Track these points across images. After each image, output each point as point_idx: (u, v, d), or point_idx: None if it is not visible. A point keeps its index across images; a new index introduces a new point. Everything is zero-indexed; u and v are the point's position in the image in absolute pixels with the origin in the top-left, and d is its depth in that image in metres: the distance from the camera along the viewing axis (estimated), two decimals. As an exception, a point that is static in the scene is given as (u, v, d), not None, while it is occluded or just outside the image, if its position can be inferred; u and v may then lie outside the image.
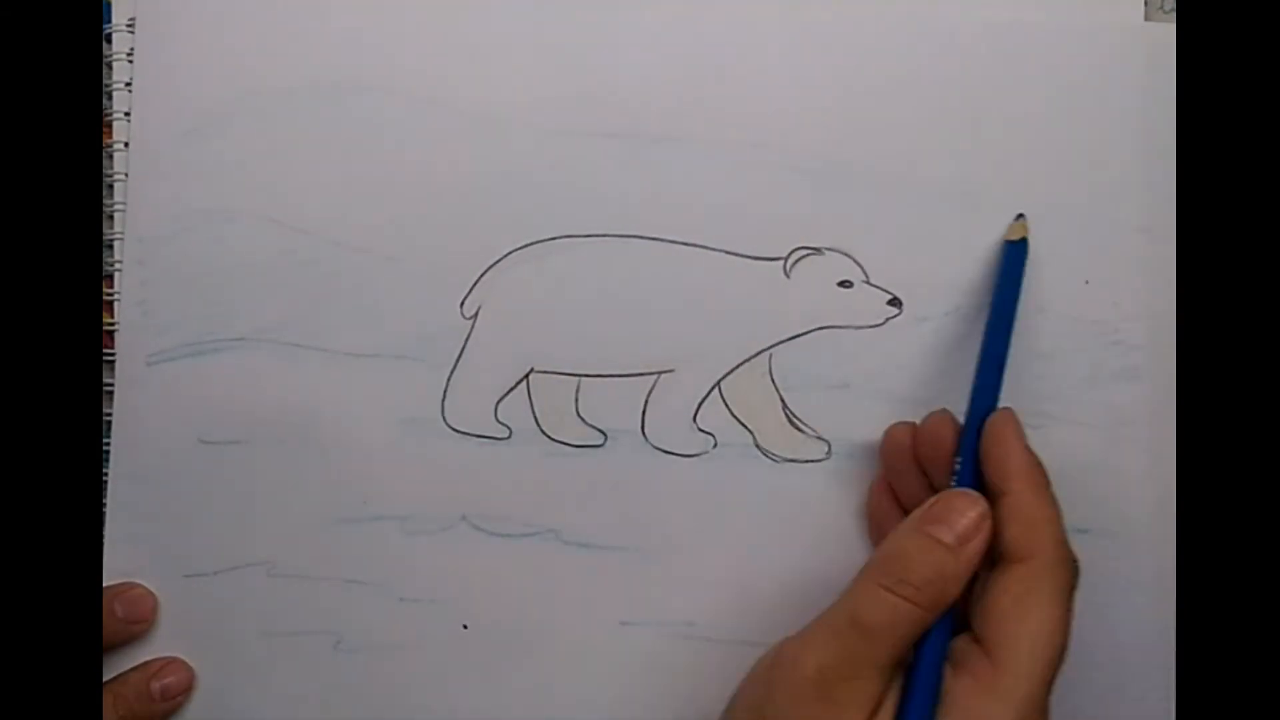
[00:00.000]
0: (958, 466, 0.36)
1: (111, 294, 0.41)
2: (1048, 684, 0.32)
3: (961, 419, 0.37)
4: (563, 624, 0.41)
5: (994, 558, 0.34)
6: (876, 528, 0.40)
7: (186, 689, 0.41)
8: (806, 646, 0.32)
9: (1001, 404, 0.37)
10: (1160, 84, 0.40)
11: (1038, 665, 0.32)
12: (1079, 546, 0.40)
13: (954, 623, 0.34)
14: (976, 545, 0.33)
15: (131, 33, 0.42)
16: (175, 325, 0.41)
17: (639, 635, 0.41)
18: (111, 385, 0.41)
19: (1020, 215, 0.40)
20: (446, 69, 0.41)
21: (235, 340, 0.41)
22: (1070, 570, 0.34)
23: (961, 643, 0.33)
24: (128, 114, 0.42)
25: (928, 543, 0.33)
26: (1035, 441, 0.40)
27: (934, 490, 0.37)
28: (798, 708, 0.32)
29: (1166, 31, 0.41)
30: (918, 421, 0.39)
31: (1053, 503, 0.35)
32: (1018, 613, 0.32)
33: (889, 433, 0.39)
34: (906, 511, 0.38)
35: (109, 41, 0.42)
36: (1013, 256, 0.40)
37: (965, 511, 0.34)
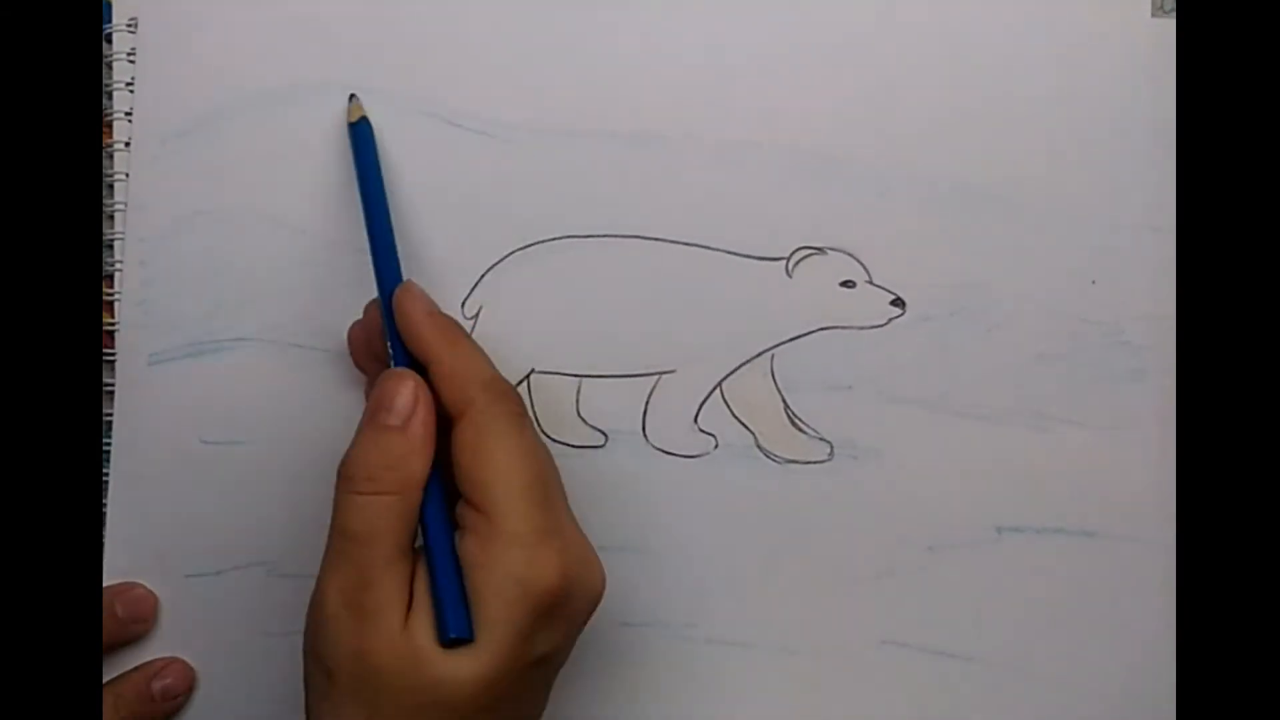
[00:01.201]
0: (389, 348, 0.36)
1: (112, 294, 0.41)
2: (541, 504, 0.33)
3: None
4: (563, 625, 0.41)
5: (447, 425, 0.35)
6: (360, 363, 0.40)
7: (187, 689, 0.41)
8: (323, 579, 0.33)
9: (406, 280, 0.37)
10: (1167, 82, 0.40)
11: (518, 498, 0.33)
12: (1084, 549, 0.41)
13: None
14: (422, 415, 0.34)
15: (132, 33, 0.42)
16: (176, 325, 0.41)
17: (640, 636, 0.41)
18: (112, 385, 0.41)
19: (353, 96, 0.40)
20: (448, 69, 0.41)
21: (236, 340, 0.41)
22: (509, 401, 0.35)
23: (462, 508, 0.34)
24: (128, 114, 0.42)
25: (376, 432, 0.34)
26: (1040, 443, 0.41)
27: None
28: (339, 635, 0.32)
29: (1172, 28, 0.40)
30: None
31: (470, 350, 0.36)
32: (479, 461, 0.33)
33: (350, 336, 0.40)
34: None
35: (109, 41, 0.42)
36: (361, 138, 0.40)
37: (398, 390, 0.34)
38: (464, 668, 0.32)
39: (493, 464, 0.33)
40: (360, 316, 0.39)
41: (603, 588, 0.35)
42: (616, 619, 0.41)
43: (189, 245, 0.41)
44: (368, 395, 0.40)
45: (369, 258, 0.38)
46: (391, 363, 0.36)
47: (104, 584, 0.41)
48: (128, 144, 0.41)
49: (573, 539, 0.34)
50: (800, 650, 0.41)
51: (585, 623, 0.35)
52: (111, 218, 0.41)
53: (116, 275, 0.41)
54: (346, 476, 0.34)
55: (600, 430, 0.41)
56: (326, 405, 0.41)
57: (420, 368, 0.35)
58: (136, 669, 0.41)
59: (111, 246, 0.41)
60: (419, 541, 0.34)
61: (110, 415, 0.41)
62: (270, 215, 0.41)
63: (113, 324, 0.41)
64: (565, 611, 0.33)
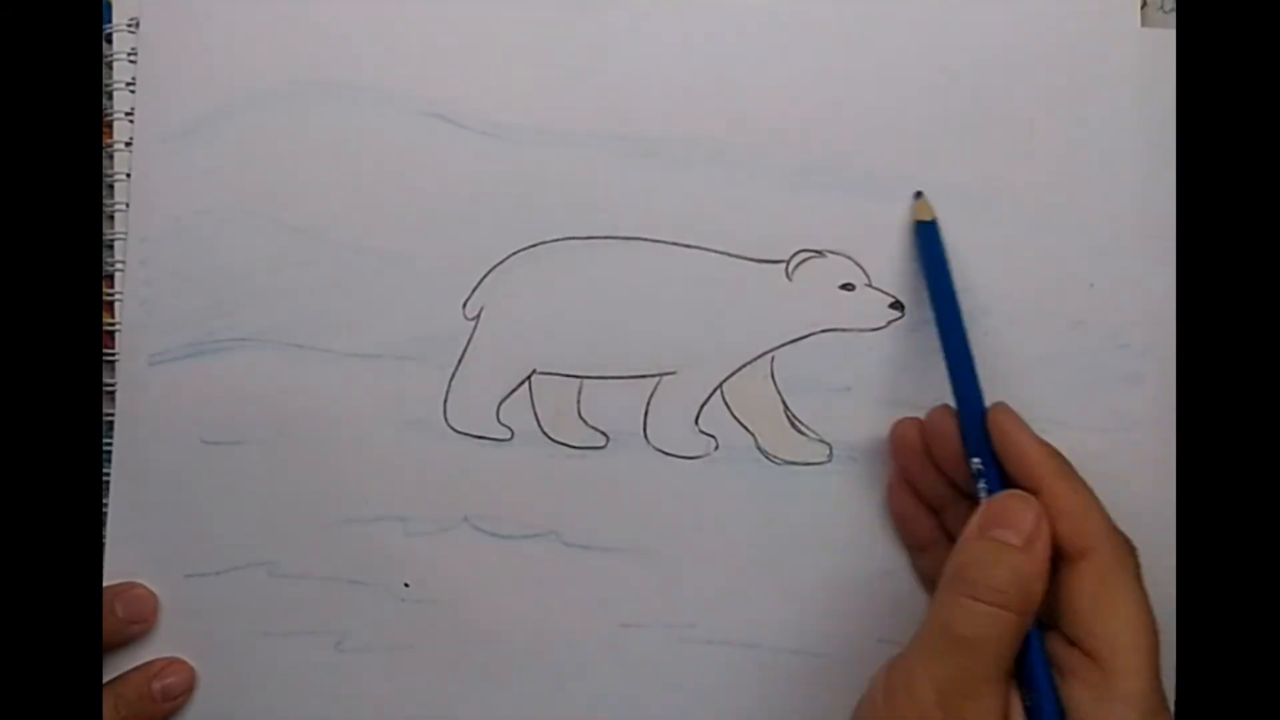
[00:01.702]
0: (977, 466, 0.36)
1: (113, 294, 0.41)
2: (1157, 672, 0.32)
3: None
4: (564, 626, 0.41)
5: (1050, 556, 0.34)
6: (902, 525, 0.40)
7: (188, 689, 0.41)
8: (916, 671, 0.32)
9: (999, 401, 0.37)
10: (1165, 85, 0.40)
11: (1143, 658, 0.32)
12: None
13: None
14: (1044, 543, 0.33)
15: (132, 33, 0.42)
16: (177, 325, 0.41)
17: (640, 637, 0.41)
18: (113, 385, 0.41)
19: (919, 193, 0.40)
20: (450, 70, 0.41)
21: (238, 340, 0.41)
22: (1134, 557, 0.34)
23: (1058, 647, 0.33)
24: (128, 114, 0.41)
25: (998, 547, 0.33)
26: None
27: (952, 485, 0.38)
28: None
29: (1167, 35, 0.41)
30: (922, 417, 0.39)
31: (1087, 488, 0.35)
32: (1104, 612, 0.33)
33: (896, 431, 0.40)
34: (929, 507, 0.39)
35: (109, 41, 0.41)
36: (928, 239, 0.39)
37: (1023, 512, 0.34)
38: None
39: (1118, 618, 0.32)
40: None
41: None
42: (617, 619, 0.41)
43: (190, 245, 0.41)
44: (892, 494, 0.40)
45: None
46: (981, 481, 0.36)
47: (105, 584, 0.41)
48: (128, 144, 0.41)
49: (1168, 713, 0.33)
50: (800, 650, 0.41)
51: None
52: (112, 218, 0.41)
53: (117, 275, 0.41)
54: (967, 580, 0.33)
55: (601, 431, 0.41)
56: (327, 405, 0.41)
57: (1005, 486, 0.35)
58: (137, 669, 0.41)
59: (112, 246, 0.41)
60: None
61: (111, 415, 0.41)
62: (271, 215, 0.41)
63: (113, 324, 0.41)
64: None
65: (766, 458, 0.41)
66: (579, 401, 0.41)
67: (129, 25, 0.42)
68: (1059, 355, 0.41)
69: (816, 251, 0.41)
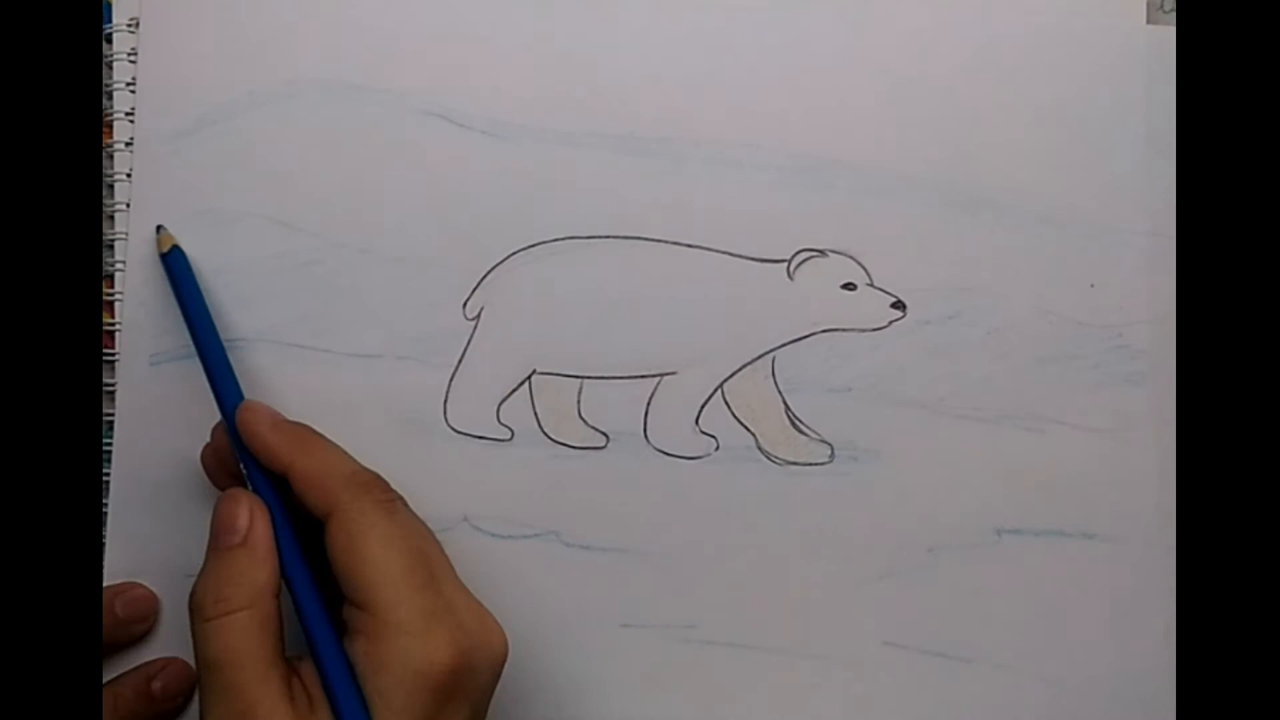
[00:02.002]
0: (243, 469, 0.37)
1: (113, 294, 0.41)
2: (423, 587, 0.33)
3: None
4: (564, 626, 0.41)
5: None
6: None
7: (187, 689, 0.41)
8: (201, 713, 0.32)
9: (245, 400, 0.38)
10: (1166, 86, 0.40)
11: (397, 586, 0.33)
12: (1083, 551, 0.41)
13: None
14: (260, 528, 0.34)
15: (132, 33, 0.42)
16: (178, 325, 0.41)
17: (640, 638, 0.41)
18: (113, 385, 0.41)
19: (160, 227, 0.41)
20: (450, 70, 0.41)
21: (237, 341, 0.41)
22: (374, 490, 0.35)
23: (346, 610, 0.34)
24: (129, 114, 0.41)
25: (218, 556, 0.34)
26: (1040, 446, 0.41)
27: None
28: None
29: (1170, 34, 0.41)
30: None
31: (325, 450, 0.36)
32: (354, 559, 0.33)
33: (204, 461, 0.40)
34: None
35: (109, 41, 0.41)
36: (176, 266, 0.40)
37: (233, 510, 0.35)
38: None
39: (367, 558, 0.33)
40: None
41: (505, 650, 0.35)
42: (617, 620, 0.41)
43: (191, 246, 0.41)
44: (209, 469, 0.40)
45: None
46: (248, 482, 0.37)
47: (105, 583, 0.41)
48: (128, 144, 0.41)
49: (464, 612, 0.34)
50: (801, 652, 0.41)
51: (493, 688, 0.35)
52: (112, 218, 0.41)
53: (118, 275, 0.41)
54: (195, 608, 0.33)
55: (601, 431, 0.41)
56: (327, 405, 0.41)
57: (280, 482, 0.36)
58: (136, 669, 0.41)
59: (112, 246, 0.41)
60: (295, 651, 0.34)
61: (111, 415, 0.41)
62: (271, 215, 0.41)
63: (113, 324, 0.41)
64: (468, 687, 0.33)
65: (767, 458, 0.41)
66: (579, 401, 0.41)
67: (129, 25, 0.42)
68: (1060, 356, 0.41)
69: (818, 251, 0.41)
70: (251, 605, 0.33)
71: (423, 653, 0.32)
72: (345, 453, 0.36)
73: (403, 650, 0.32)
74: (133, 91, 0.42)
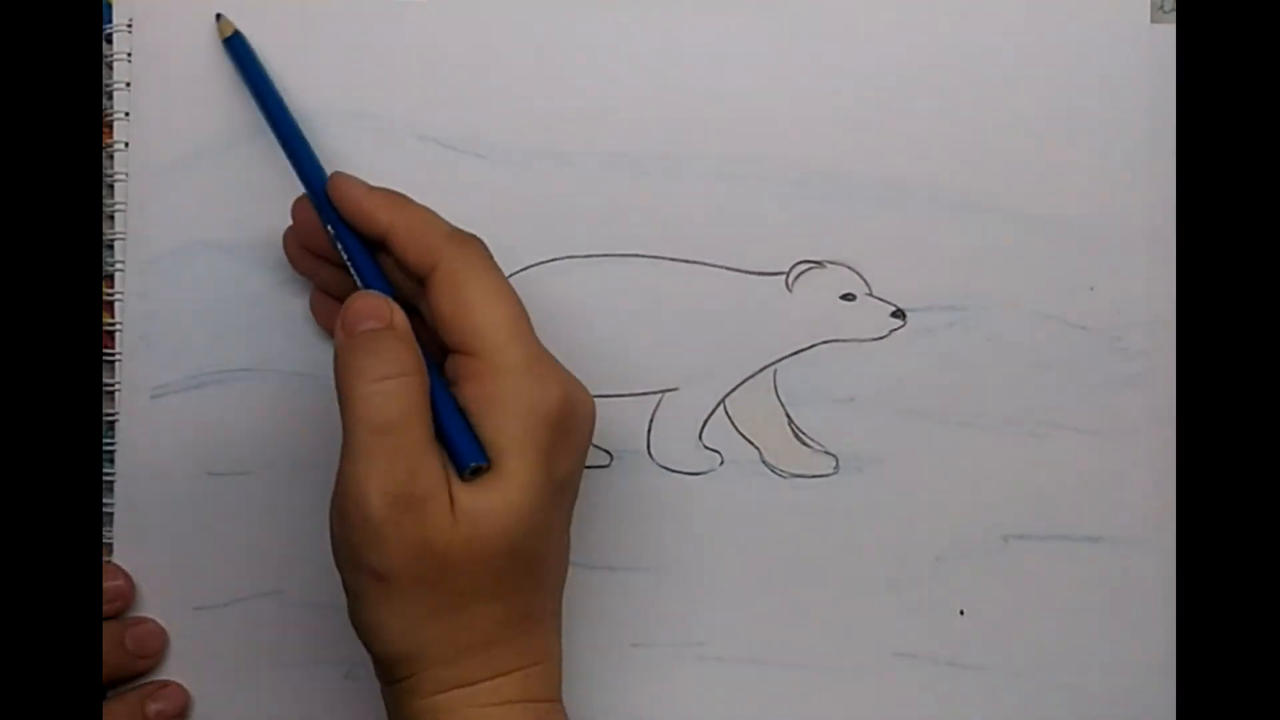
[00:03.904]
0: (331, 234, 0.37)
1: (113, 324, 0.41)
2: (528, 336, 0.34)
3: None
4: (574, 647, 0.41)
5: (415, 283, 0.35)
6: (330, 329, 0.40)
7: (181, 713, 0.41)
8: (357, 481, 0.32)
9: (336, 171, 0.37)
10: (1165, 87, 0.40)
11: (506, 331, 0.33)
12: (1089, 556, 0.40)
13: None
14: (400, 317, 0.34)
15: (132, 33, 0.41)
16: (178, 358, 0.41)
17: (651, 656, 0.41)
18: (114, 415, 0.41)
19: (219, 15, 0.41)
20: (442, 95, 0.41)
21: (239, 371, 0.41)
22: (476, 245, 0.35)
23: (451, 362, 0.34)
24: (128, 114, 0.41)
25: (373, 334, 0.34)
26: (1044, 451, 0.41)
27: (340, 267, 0.38)
28: (394, 534, 0.32)
29: (1169, 34, 0.41)
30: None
31: (422, 210, 0.36)
32: (461, 308, 0.34)
33: (285, 242, 0.40)
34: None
35: (109, 41, 0.41)
36: (239, 52, 0.40)
37: (373, 301, 0.34)
38: (498, 497, 0.32)
39: (476, 306, 0.34)
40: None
41: (595, 410, 0.35)
42: (626, 639, 0.41)
43: (189, 276, 0.41)
44: (314, 306, 0.40)
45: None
46: (341, 250, 0.36)
47: (115, 618, 0.41)
48: (128, 144, 0.41)
49: (558, 364, 0.34)
50: (811, 665, 0.41)
51: (589, 445, 0.35)
52: (112, 247, 0.41)
53: (118, 305, 0.41)
54: (357, 369, 0.33)
55: (605, 450, 0.41)
56: (332, 432, 0.41)
57: (372, 247, 0.36)
58: (133, 688, 0.40)
59: (113, 278, 0.41)
60: None
61: (114, 447, 0.41)
62: (269, 243, 0.41)
63: (114, 354, 0.41)
64: (573, 431, 0.34)
65: (772, 471, 0.41)
66: (582, 421, 0.41)
67: (129, 25, 0.42)
68: (1061, 360, 0.41)
69: (816, 262, 0.41)
70: (418, 373, 0.33)
71: (535, 390, 0.33)
72: (440, 216, 0.36)
73: (515, 388, 0.33)
74: (129, 120, 0.42)
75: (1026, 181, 0.41)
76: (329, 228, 0.37)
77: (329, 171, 0.37)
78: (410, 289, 0.36)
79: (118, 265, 0.41)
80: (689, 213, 0.41)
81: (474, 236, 0.36)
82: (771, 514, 0.41)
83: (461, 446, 0.33)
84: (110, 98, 0.41)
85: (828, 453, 0.41)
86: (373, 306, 0.34)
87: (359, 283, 0.36)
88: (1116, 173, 0.41)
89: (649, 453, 0.41)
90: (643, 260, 0.41)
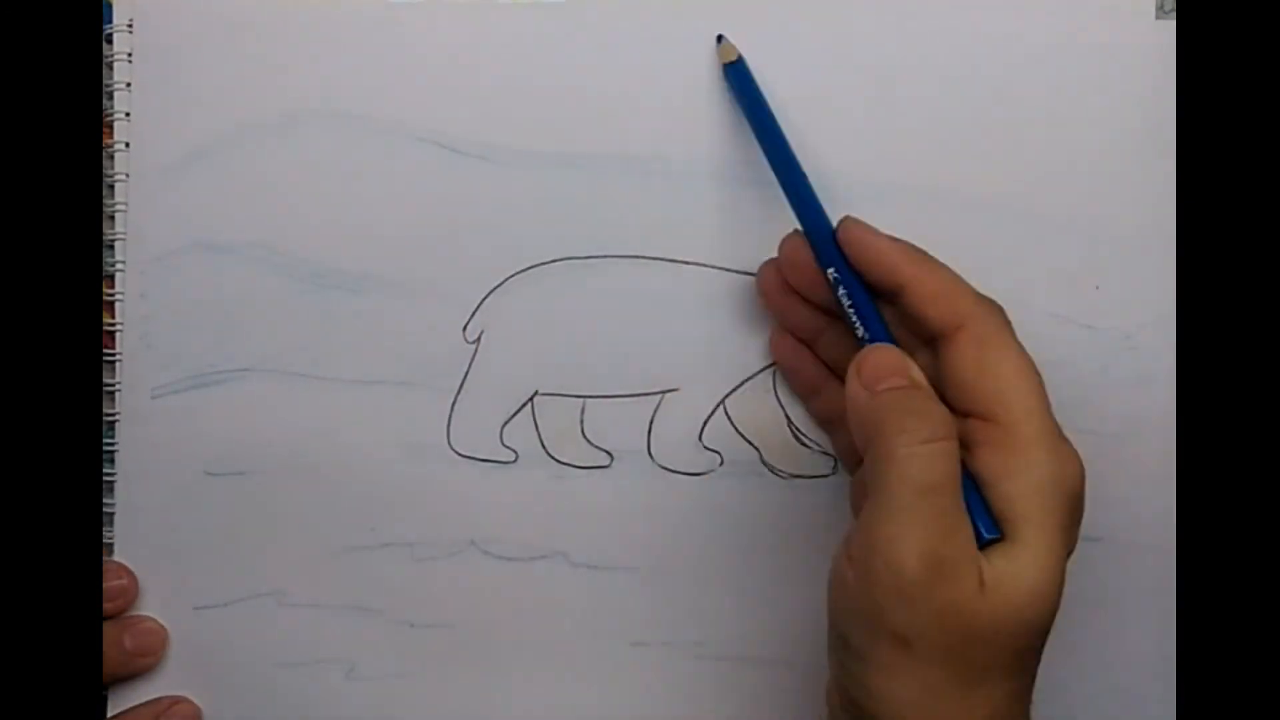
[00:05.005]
0: (834, 276, 0.36)
1: (113, 324, 0.41)
2: (1048, 412, 0.33)
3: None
4: (574, 646, 0.41)
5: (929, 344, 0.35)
6: (792, 374, 0.40)
7: None
8: (895, 545, 0.31)
9: (846, 215, 0.37)
10: (1169, 85, 0.40)
11: (1034, 400, 0.33)
12: (1092, 555, 0.40)
13: None
14: (918, 372, 0.34)
15: (132, 33, 0.41)
16: (178, 358, 0.41)
17: (651, 656, 0.41)
18: (114, 415, 0.41)
19: (720, 37, 0.40)
20: (443, 95, 0.41)
21: (239, 371, 0.41)
22: (1002, 313, 0.35)
23: (966, 426, 0.33)
24: (129, 114, 0.41)
25: (899, 393, 0.33)
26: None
27: (818, 310, 0.38)
28: (923, 598, 0.31)
29: (1171, 32, 0.40)
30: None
31: (946, 268, 0.35)
32: (989, 372, 0.33)
33: (762, 275, 0.39)
34: (805, 344, 0.39)
35: (109, 42, 0.41)
36: (740, 78, 0.39)
37: (891, 356, 0.34)
38: (1024, 568, 0.31)
39: (1003, 374, 0.33)
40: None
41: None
42: (626, 639, 0.41)
43: (188, 277, 0.41)
44: (774, 345, 0.40)
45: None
46: (844, 296, 0.36)
47: (114, 618, 0.41)
48: (128, 144, 0.41)
49: (1069, 442, 0.34)
50: (812, 665, 0.40)
51: None
52: (112, 247, 0.41)
53: (118, 305, 0.41)
54: (901, 427, 0.32)
55: (605, 451, 0.41)
56: (330, 433, 0.41)
57: (877, 294, 0.36)
58: (144, 704, 0.41)
59: (113, 278, 0.41)
60: None
61: (114, 447, 0.41)
62: (269, 244, 0.41)
63: (114, 354, 0.41)
64: (1082, 503, 0.33)
65: (771, 472, 0.41)
66: (582, 421, 0.41)
67: (129, 26, 0.42)
68: (1067, 359, 0.41)
69: (816, 262, 0.41)
70: (954, 437, 0.32)
71: (1058, 464, 0.32)
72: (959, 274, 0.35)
73: (1040, 460, 0.32)
74: (130, 120, 0.42)
75: (1026, 180, 0.40)
76: (831, 271, 0.36)
77: (831, 214, 0.37)
78: (910, 346, 0.35)
79: (118, 265, 0.41)
80: (688, 213, 0.41)
81: (998, 304, 0.35)
82: (771, 514, 0.41)
83: (978, 517, 0.32)
84: (110, 98, 0.41)
85: (826, 453, 0.41)
86: (894, 362, 0.34)
87: (860, 332, 0.35)
88: (1117, 171, 0.40)
89: (649, 453, 0.41)
90: (642, 261, 0.41)
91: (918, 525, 0.31)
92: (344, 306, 0.41)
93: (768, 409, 0.41)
